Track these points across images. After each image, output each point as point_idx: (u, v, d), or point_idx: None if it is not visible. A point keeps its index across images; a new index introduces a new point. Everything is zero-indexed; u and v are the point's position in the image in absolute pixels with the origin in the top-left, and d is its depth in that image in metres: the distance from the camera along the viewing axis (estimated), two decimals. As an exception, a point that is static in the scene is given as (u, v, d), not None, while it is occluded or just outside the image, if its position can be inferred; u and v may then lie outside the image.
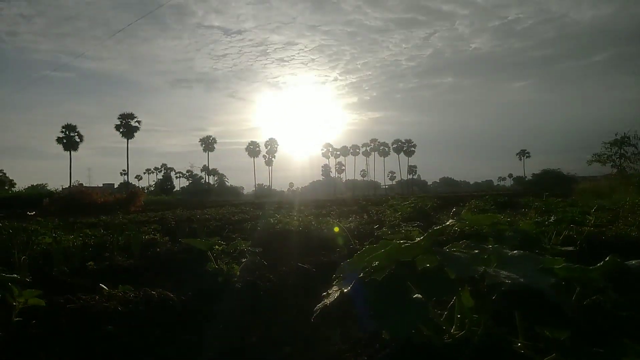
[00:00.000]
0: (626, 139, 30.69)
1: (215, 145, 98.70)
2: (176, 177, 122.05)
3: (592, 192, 20.34)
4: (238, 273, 3.36)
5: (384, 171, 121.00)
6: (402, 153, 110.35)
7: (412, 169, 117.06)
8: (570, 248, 2.97)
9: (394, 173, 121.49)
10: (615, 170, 30.69)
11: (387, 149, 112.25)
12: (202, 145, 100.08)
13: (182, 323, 2.66)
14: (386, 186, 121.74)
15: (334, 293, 1.60)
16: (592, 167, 33.19)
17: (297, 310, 3.15)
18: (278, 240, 6.42)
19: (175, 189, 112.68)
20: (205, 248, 3.25)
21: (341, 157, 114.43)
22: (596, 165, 32.76)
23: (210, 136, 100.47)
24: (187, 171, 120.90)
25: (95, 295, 2.73)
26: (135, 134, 75.18)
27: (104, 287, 2.83)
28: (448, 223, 3.98)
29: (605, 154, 31.28)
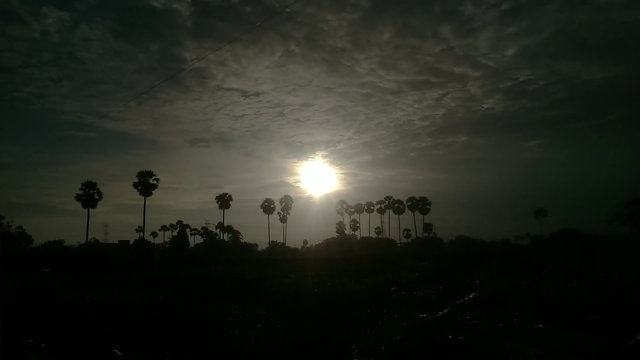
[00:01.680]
0: (646, 198, 30.29)
1: (230, 203, 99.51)
2: (191, 234, 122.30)
3: (614, 252, 19.83)
4: (253, 339, 3.30)
5: (399, 229, 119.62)
6: (417, 211, 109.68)
7: (427, 227, 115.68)
8: (596, 316, 2.88)
9: (409, 231, 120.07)
10: (635, 230, 30.06)
11: (402, 206, 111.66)
12: (217, 202, 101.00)
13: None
14: (401, 244, 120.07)
15: (354, 367, 1.56)
16: (610, 227, 32.56)
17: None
18: (292, 302, 6.32)
19: (189, 246, 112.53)
20: (220, 312, 3.22)
21: (355, 214, 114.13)
22: (615, 225, 32.18)
23: (226, 193, 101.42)
24: (202, 228, 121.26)
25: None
26: (153, 191, 76.24)
27: (119, 353, 2.80)
28: (471, 296, 3.91)
29: (625, 213, 30.78)
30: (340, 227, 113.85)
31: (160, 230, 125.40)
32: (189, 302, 5.80)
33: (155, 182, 77.04)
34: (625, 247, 20.85)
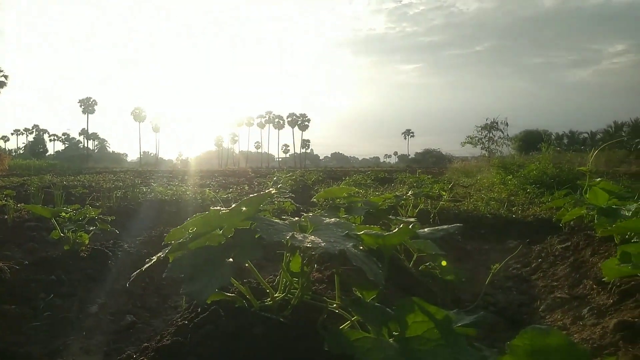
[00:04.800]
0: (495, 124, 33.92)
1: (95, 108, 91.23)
2: (50, 140, 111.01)
3: (462, 171, 22.29)
4: (87, 242, 3.18)
5: (278, 144, 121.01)
6: (296, 127, 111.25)
7: (305, 143, 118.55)
8: (413, 219, 3.24)
9: (288, 146, 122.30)
10: (484, 152, 33.82)
11: (282, 121, 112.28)
12: (81, 106, 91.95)
13: (11, 293, 2.47)
14: (280, 159, 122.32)
15: (155, 259, 1.59)
16: (465, 148, 36.15)
17: (149, 279, 3.09)
18: (149, 209, 6.19)
19: (48, 153, 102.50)
20: (48, 215, 3.02)
21: (235, 127, 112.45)
22: (469, 147, 35.76)
23: (90, 97, 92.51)
24: (64, 134, 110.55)
25: None
26: (0, 90, 66.71)
27: None
28: (314, 200, 4.11)
29: (477, 137, 34.29)
30: (219, 140, 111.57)
31: (12, 134, 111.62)
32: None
33: (3, 79, 67.14)
34: (473, 166, 23.39)
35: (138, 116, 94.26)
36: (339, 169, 42.19)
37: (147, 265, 1.49)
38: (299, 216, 1.93)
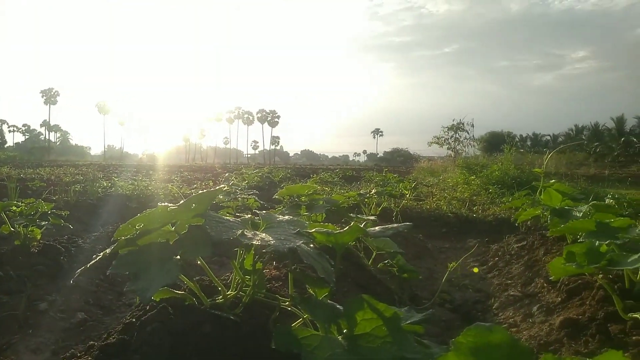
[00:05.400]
0: (461, 125, 34.55)
1: (58, 99, 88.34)
2: (9, 132, 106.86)
3: (428, 170, 22.66)
4: (39, 237, 3.08)
5: (247, 140, 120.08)
6: (266, 123, 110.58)
7: (275, 140, 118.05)
8: (372, 217, 3.26)
9: (257, 142, 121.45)
10: (450, 152, 34.40)
11: (251, 117, 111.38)
12: (43, 97, 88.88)
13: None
14: (249, 155, 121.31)
15: (101, 255, 1.55)
16: (432, 148, 36.65)
17: (104, 275, 3.01)
18: (109, 204, 6.04)
19: (7, 145, 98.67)
20: (-2, 209, 2.91)
21: (204, 122, 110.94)
22: (436, 147, 36.29)
23: (53, 88, 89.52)
24: (24, 125, 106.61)
25: None
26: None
27: None
28: (276, 196, 4.10)
29: (443, 137, 34.85)
30: (186, 136, 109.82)
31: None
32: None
33: (-42, 66, 64.30)
34: (439, 166, 23.81)
35: (103, 109, 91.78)
36: (308, 167, 42.15)
37: (93, 262, 1.45)
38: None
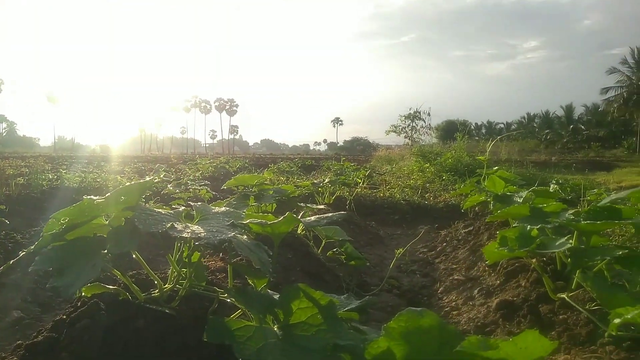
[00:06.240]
0: (417, 114, 35.12)
1: (2, 87, 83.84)
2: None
3: (386, 159, 22.95)
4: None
5: (205, 129, 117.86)
6: (224, 112, 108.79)
7: (234, 129, 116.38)
8: (322, 206, 3.29)
9: (216, 132, 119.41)
10: (408, 141, 34.95)
11: (208, 106, 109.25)
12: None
13: None
14: (207, 145, 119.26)
15: (26, 251, 1.49)
16: (391, 137, 37.09)
17: (43, 271, 2.90)
18: (54, 198, 5.82)
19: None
20: None
21: (160, 112, 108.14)
22: (394, 136, 36.77)
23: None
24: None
25: None
26: None
27: None
28: (225, 187, 4.05)
29: (400, 126, 35.36)
30: (141, 126, 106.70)
31: None
32: None
33: None
34: (396, 154, 24.13)
35: (52, 98, 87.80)
36: (267, 156, 41.86)
37: (16, 259, 1.40)
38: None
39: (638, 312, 0.99)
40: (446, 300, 2.91)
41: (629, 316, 0.98)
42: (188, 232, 1.36)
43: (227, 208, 1.66)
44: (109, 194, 1.41)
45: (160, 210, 1.53)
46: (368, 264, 3.56)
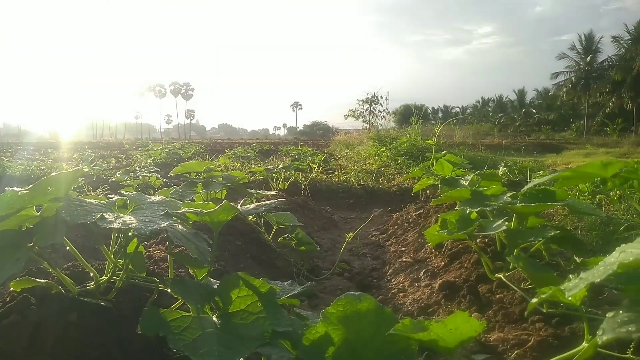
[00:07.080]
0: (375, 98, 35.40)
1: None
2: None
3: (344, 143, 23.06)
4: None
5: (160, 114, 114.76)
6: (179, 96, 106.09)
7: (190, 114, 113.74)
8: (272, 193, 3.28)
9: (171, 117, 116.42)
10: (366, 125, 35.22)
11: (163, 90, 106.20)
12: None
13: None
14: (162, 130, 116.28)
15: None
16: (350, 122, 37.26)
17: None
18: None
19: None
20: None
21: (113, 97, 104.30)
22: (353, 120, 36.96)
23: None
24: None
25: None
26: None
27: None
28: (172, 174, 3.96)
29: (359, 110, 35.57)
30: (93, 111, 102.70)
31: None
32: None
33: None
34: (355, 138, 24.28)
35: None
36: (224, 141, 41.18)
37: None
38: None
39: (556, 290, 1.04)
40: (394, 282, 2.98)
41: (545, 295, 1.02)
42: (119, 223, 1.32)
43: (163, 197, 1.62)
44: (32, 185, 1.34)
45: (91, 200, 1.48)
46: (319, 248, 3.58)
